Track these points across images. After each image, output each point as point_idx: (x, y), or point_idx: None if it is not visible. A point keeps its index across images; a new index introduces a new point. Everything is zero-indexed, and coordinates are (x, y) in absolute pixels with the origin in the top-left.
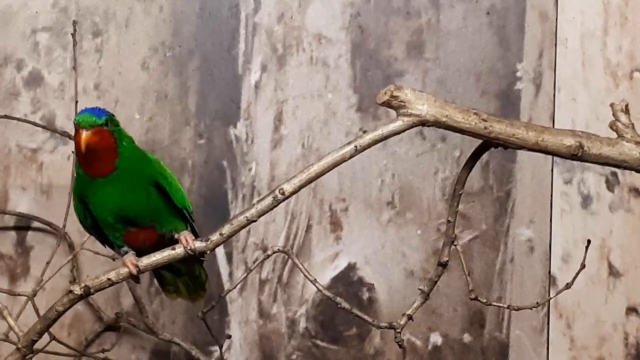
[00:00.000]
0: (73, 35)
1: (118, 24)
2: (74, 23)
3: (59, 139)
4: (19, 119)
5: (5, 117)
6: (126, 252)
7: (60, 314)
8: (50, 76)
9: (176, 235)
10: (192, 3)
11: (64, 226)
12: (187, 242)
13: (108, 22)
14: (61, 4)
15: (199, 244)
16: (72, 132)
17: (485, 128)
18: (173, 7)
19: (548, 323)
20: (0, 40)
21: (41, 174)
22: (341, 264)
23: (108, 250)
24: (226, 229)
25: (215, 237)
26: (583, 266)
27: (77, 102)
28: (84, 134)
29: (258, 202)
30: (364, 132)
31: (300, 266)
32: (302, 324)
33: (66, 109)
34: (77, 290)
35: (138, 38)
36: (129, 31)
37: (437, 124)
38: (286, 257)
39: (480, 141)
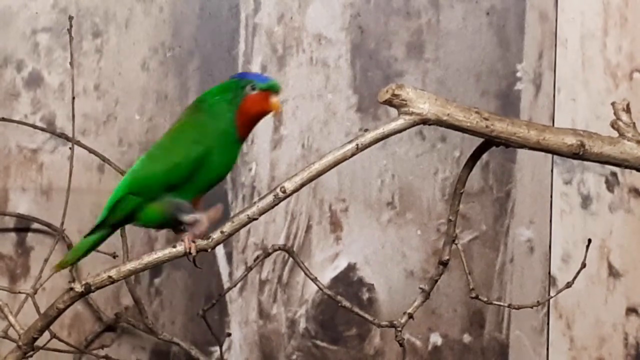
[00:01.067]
0: (69, 30)
1: (118, 25)
2: (70, 18)
3: (59, 140)
4: (17, 122)
5: (4, 119)
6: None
7: (61, 312)
8: (50, 77)
9: (188, 228)
10: (192, 4)
11: (62, 224)
12: (188, 245)
13: (108, 22)
14: (61, 4)
15: (200, 242)
16: (71, 134)
17: (486, 127)
18: (173, 8)
19: (548, 323)
20: (0, 41)
21: (41, 174)
22: (341, 264)
23: (108, 249)
24: (227, 227)
25: (216, 235)
26: (583, 266)
27: (74, 97)
28: (276, 99)
29: (259, 200)
30: (365, 130)
31: (301, 264)
32: (302, 324)
33: (66, 109)
34: (78, 287)
35: (138, 38)
36: (129, 32)
37: (438, 122)
38: (286, 257)
39: (480, 141)
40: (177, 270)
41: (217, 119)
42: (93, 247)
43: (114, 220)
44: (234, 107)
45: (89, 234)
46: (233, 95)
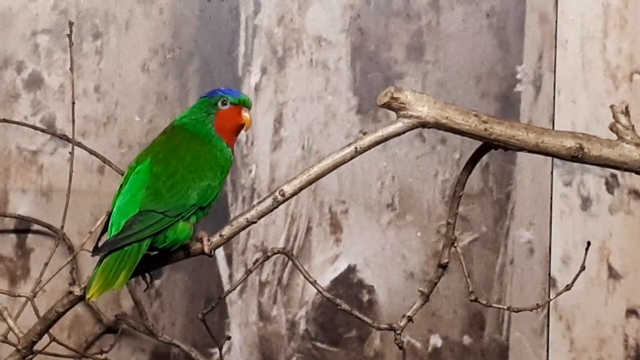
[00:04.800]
0: (69, 35)
1: (118, 26)
2: (70, 24)
3: (59, 141)
4: (17, 123)
5: (4, 120)
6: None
7: (60, 315)
8: (50, 78)
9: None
10: (192, 5)
11: (62, 227)
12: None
13: (108, 24)
14: (61, 6)
15: (198, 246)
16: (71, 135)
17: (485, 130)
18: (173, 10)
19: (548, 325)
20: (1, 43)
21: (41, 176)
22: (341, 266)
23: None
24: (226, 231)
25: (215, 238)
26: (583, 268)
27: (74, 102)
28: (247, 113)
29: (258, 203)
30: (364, 133)
31: (300, 267)
32: (302, 326)
33: (66, 111)
34: (77, 291)
35: (138, 40)
36: (129, 33)
37: (437, 125)
38: (286, 259)
39: (480, 143)
40: (177, 272)
41: (211, 141)
42: (133, 266)
43: (142, 236)
44: (211, 124)
45: (109, 252)
46: (207, 113)
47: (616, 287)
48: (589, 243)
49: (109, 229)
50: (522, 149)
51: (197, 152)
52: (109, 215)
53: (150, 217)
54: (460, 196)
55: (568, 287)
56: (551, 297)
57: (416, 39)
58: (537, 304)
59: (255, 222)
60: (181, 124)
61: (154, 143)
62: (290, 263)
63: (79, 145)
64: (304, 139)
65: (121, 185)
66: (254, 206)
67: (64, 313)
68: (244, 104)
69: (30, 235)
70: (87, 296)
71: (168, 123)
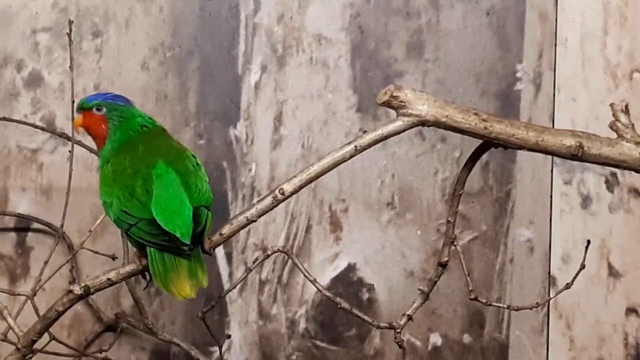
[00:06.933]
0: (68, 34)
1: (118, 25)
2: (70, 22)
3: (59, 140)
4: (17, 121)
5: (4, 119)
6: None
7: (60, 314)
8: (50, 77)
9: None
10: (192, 3)
11: (62, 225)
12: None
13: (108, 22)
14: (61, 4)
15: (214, 239)
16: (71, 133)
17: (485, 128)
18: (173, 8)
19: (548, 323)
20: (0, 41)
21: (41, 174)
22: (341, 265)
23: (108, 250)
24: (226, 229)
25: (215, 237)
26: (583, 266)
27: (73, 100)
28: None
29: (258, 202)
30: (364, 132)
31: (300, 266)
32: (302, 325)
33: (66, 109)
34: (77, 290)
35: (138, 38)
36: (128, 32)
37: (437, 124)
38: (286, 257)
39: (480, 141)
40: None
41: None
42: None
43: (209, 230)
44: None
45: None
46: None
47: (616, 286)
48: (588, 241)
49: (170, 229)
50: (522, 148)
51: (190, 152)
52: (149, 220)
53: (203, 213)
54: (460, 194)
55: (568, 286)
56: (551, 295)
57: (416, 37)
58: (537, 303)
59: (255, 221)
60: (160, 128)
61: (149, 147)
62: (290, 261)
63: (79, 143)
64: (304, 137)
65: (135, 188)
66: (253, 205)
67: (64, 312)
68: None
69: (30, 234)
70: (184, 295)
71: (167, 121)
